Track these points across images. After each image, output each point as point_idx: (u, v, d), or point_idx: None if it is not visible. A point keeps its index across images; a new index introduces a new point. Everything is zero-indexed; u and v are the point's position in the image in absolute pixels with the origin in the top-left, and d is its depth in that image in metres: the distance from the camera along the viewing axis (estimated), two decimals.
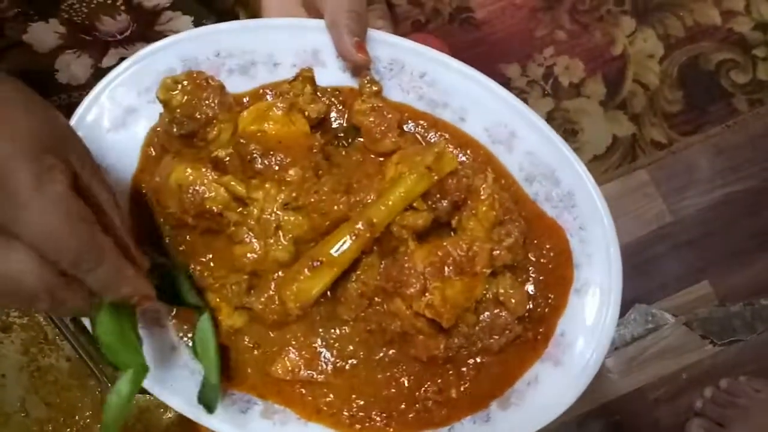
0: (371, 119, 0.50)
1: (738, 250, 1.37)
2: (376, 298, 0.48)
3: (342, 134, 0.53)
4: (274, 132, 0.49)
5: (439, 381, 0.49)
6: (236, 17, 0.73)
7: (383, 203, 0.46)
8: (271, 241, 0.47)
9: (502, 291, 0.48)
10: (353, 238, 0.46)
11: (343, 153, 0.52)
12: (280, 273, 0.48)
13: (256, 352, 0.50)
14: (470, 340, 0.48)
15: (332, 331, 0.49)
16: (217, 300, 0.49)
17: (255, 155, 0.48)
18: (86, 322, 0.49)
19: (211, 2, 0.70)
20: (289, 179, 0.47)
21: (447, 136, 0.52)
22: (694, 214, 1.38)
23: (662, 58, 1.45)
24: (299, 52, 0.53)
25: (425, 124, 0.53)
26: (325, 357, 0.49)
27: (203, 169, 0.47)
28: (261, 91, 0.53)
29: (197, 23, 0.67)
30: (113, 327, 0.42)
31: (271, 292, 0.48)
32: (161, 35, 0.66)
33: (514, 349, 0.50)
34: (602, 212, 0.50)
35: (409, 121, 0.53)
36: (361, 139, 0.52)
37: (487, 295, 0.48)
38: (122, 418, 0.43)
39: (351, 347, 0.49)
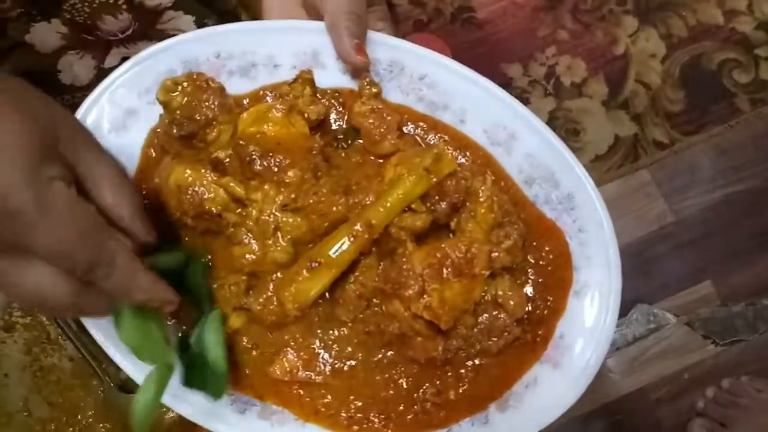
0: (371, 121, 0.50)
1: (740, 250, 1.37)
2: (375, 300, 0.48)
3: (341, 136, 0.53)
4: (273, 133, 0.49)
5: (438, 383, 0.49)
6: (238, 18, 0.73)
7: (382, 205, 0.46)
8: (270, 242, 0.47)
9: (500, 293, 0.48)
10: (352, 239, 0.46)
11: (343, 155, 0.52)
12: (278, 274, 0.48)
13: (254, 352, 0.50)
14: (469, 342, 0.48)
15: (330, 332, 0.49)
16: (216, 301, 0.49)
17: (254, 156, 0.48)
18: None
19: (212, 2, 0.70)
20: (288, 180, 0.47)
21: (446, 138, 0.52)
22: (695, 213, 1.38)
23: (664, 58, 1.45)
24: (299, 54, 0.53)
25: (425, 126, 0.53)
26: (323, 358, 0.49)
27: (203, 171, 0.47)
28: (261, 92, 0.53)
29: (199, 23, 0.67)
30: (136, 328, 0.42)
31: (269, 293, 0.48)
32: (163, 34, 0.66)
33: (512, 351, 0.50)
34: (602, 214, 0.50)
35: (409, 123, 0.53)
36: (361, 141, 0.52)
37: (486, 297, 0.48)
38: (151, 416, 0.43)
39: (349, 348, 0.49)
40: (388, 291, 0.47)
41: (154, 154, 0.52)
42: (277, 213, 0.47)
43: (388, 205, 0.46)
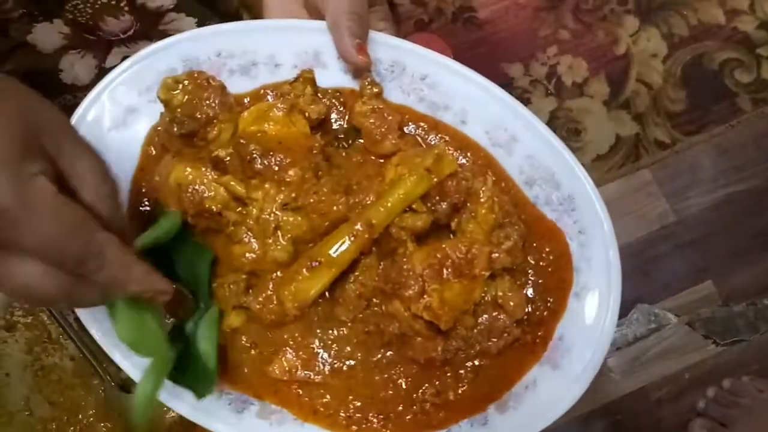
0: (372, 121, 0.50)
1: (741, 250, 1.37)
2: (375, 300, 0.48)
3: (342, 135, 0.53)
4: (274, 132, 0.49)
5: (437, 383, 0.49)
6: (240, 19, 0.73)
7: (382, 204, 0.46)
8: (270, 241, 0.47)
9: (500, 294, 0.48)
10: (352, 239, 0.46)
11: (343, 154, 0.52)
12: (278, 273, 0.48)
13: (253, 351, 0.50)
14: (468, 342, 0.48)
15: (330, 331, 0.49)
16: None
17: (255, 155, 0.48)
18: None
19: (214, 4, 0.70)
20: (288, 180, 0.47)
21: (447, 138, 0.52)
22: (697, 213, 1.38)
23: (666, 58, 1.45)
24: (300, 53, 0.53)
25: (426, 126, 0.53)
26: (322, 358, 0.49)
27: (203, 169, 0.47)
28: (262, 91, 0.53)
29: (201, 25, 0.67)
30: (131, 321, 0.42)
31: (269, 292, 0.48)
32: (165, 34, 0.66)
33: (512, 352, 0.50)
34: (602, 216, 0.49)
35: (410, 123, 0.53)
36: (362, 141, 0.52)
37: (486, 298, 0.48)
38: (151, 407, 0.43)
39: (349, 348, 0.49)
40: (388, 291, 0.47)
41: (154, 152, 0.52)
42: (277, 212, 0.47)
43: (389, 205, 0.46)
